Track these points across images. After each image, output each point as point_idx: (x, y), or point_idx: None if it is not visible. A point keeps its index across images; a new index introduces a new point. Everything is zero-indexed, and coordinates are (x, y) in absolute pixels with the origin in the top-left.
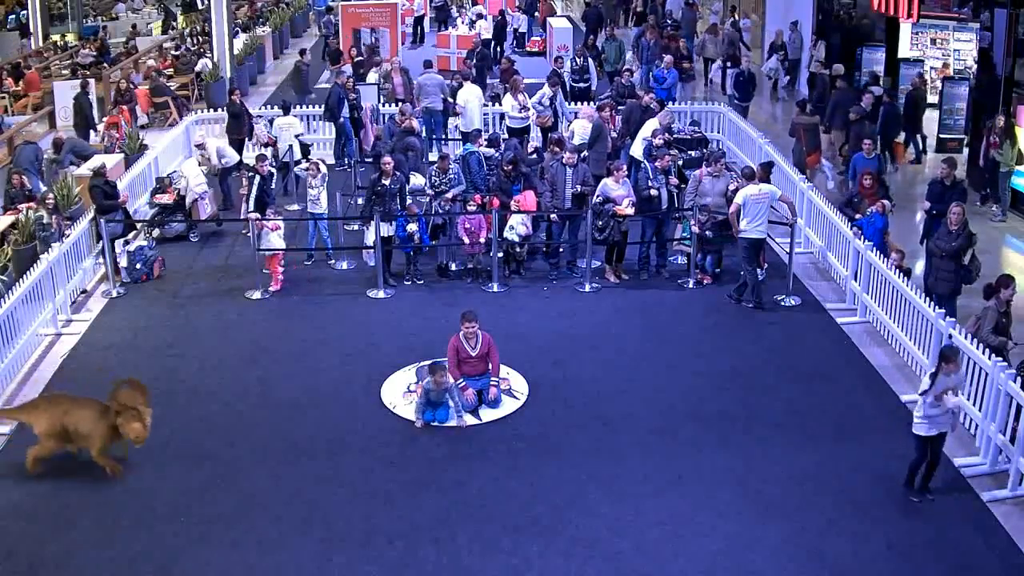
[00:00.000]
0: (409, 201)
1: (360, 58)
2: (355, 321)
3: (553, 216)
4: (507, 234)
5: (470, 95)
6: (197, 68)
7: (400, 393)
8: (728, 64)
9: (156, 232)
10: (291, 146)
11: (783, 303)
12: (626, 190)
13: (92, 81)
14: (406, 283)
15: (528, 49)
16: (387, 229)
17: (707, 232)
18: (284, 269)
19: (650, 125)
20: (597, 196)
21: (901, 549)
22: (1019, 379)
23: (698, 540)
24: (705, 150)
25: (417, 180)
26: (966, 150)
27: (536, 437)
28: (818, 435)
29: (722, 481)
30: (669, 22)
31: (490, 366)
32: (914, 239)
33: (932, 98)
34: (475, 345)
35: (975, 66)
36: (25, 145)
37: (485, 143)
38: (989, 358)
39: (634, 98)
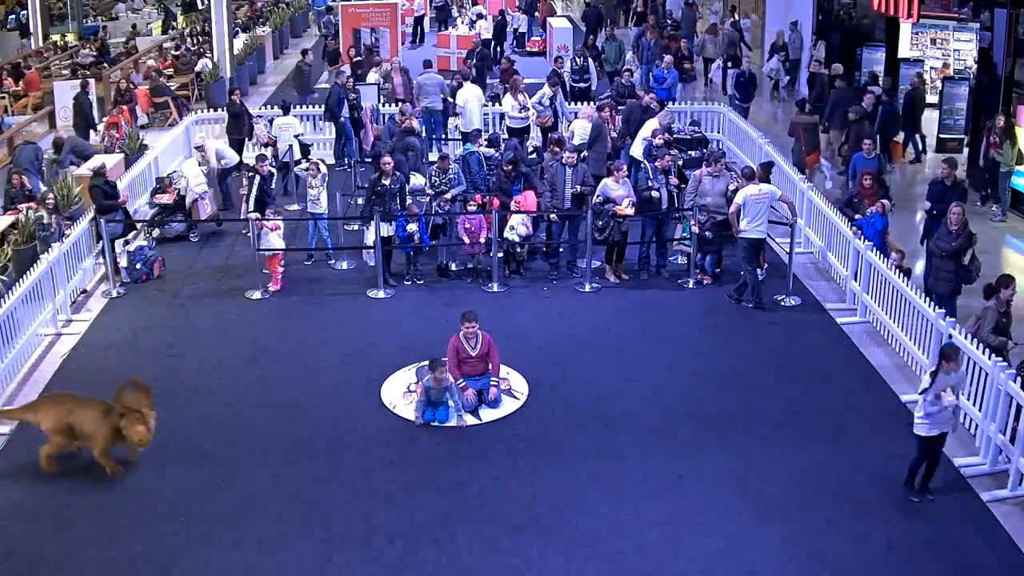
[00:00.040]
0: (409, 201)
1: (359, 58)
2: (355, 321)
3: (553, 216)
4: (507, 234)
5: (470, 95)
6: (197, 68)
7: (400, 393)
8: (729, 64)
9: (156, 232)
10: (291, 146)
11: (783, 303)
12: (626, 190)
13: (92, 81)
14: (406, 283)
15: (528, 49)
16: (387, 229)
17: (707, 232)
18: (284, 269)
19: (650, 125)
20: (597, 196)
21: (901, 549)
22: (1019, 379)
23: (698, 540)
24: (705, 150)
25: (417, 180)
26: (966, 150)
27: (536, 437)
28: (818, 435)
29: (722, 481)
30: (669, 22)
31: (490, 366)
32: (914, 239)
33: (932, 98)
34: (475, 345)
35: (975, 66)
36: (25, 145)
37: (485, 143)
38: (989, 358)
39: (634, 98)
